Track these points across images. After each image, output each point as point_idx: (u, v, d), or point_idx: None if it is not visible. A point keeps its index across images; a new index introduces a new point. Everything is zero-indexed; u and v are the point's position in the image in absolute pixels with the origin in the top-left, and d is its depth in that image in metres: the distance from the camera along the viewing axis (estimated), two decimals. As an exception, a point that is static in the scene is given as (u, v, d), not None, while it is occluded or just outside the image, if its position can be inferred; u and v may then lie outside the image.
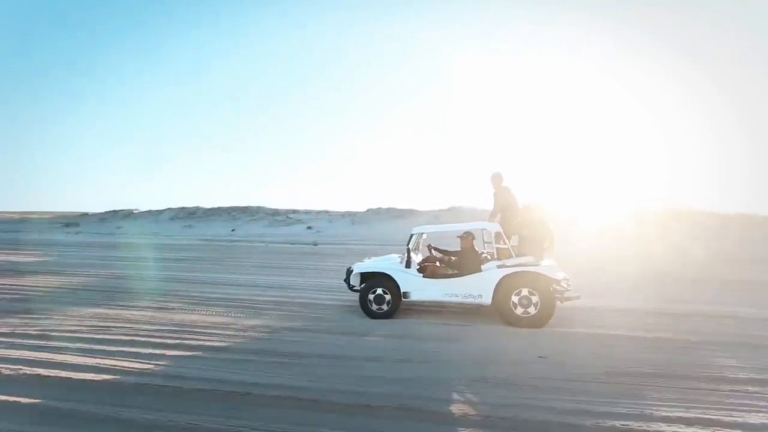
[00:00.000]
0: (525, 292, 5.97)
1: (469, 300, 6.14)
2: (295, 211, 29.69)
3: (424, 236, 7.17)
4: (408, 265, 6.39)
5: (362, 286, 6.53)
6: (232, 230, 26.14)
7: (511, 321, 5.96)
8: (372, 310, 6.35)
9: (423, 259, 6.73)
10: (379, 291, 6.36)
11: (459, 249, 6.64)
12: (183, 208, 31.95)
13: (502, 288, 6.00)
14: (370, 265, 6.76)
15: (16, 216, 41.29)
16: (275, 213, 29.57)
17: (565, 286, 6.01)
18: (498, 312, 6.09)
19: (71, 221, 31.27)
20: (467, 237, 6.50)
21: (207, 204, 32.53)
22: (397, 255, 7.33)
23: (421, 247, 7.24)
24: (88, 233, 26.26)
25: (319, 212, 29.43)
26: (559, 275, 6.07)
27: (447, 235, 7.07)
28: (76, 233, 26.32)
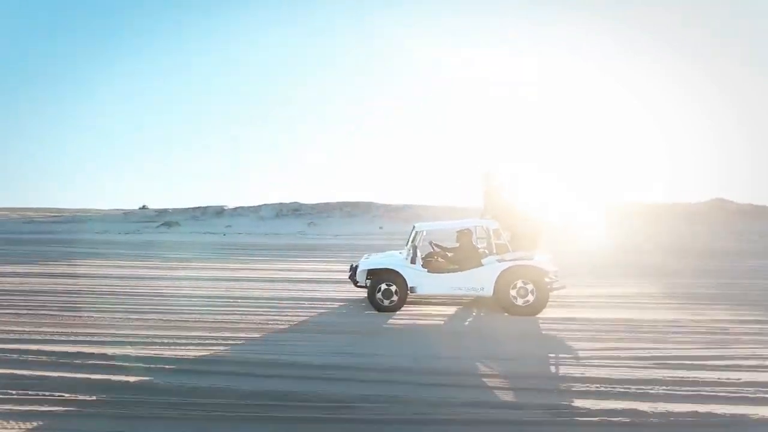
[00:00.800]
0: (522, 283, 6.55)
1: (472, 292, 6.80)
2: (409, 206, 27.48)
3: (425, 233, 7.40)
4: (413, 260, 6.91)
5: (368, 281, 7.03)
6: (380, 227, 24.53)
7: (510, 310, 6.60)
8: (380, 304, 6.83)
9: (426, 255, 7.31)
10: (387, 286, 6.85)
11: (457, 245, 7.24)
12: (281, 203, 28.80)
13: (502, 280, 6.59)
14: (377, 261, 7.19)
15: (61, 213, 33.79)
16: (388, 208, 27.56)
17: (554, 277, 6.51)
18: (498, 302, 6.71)
19: (170, 220, 26.86)
20: (466, 233, 7.12)
21: (288, 200, 29.38)
22: (396, 251, 7.85)
23: (420, 244, 7.36)
24: (233, 234, 23.35)
25: (433, 207, 26.78)
26: (551, 268, 6.58)
27: (447, 232, 7.66)
28: (224, 233, 23.15)
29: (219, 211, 29.20)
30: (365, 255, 7.97)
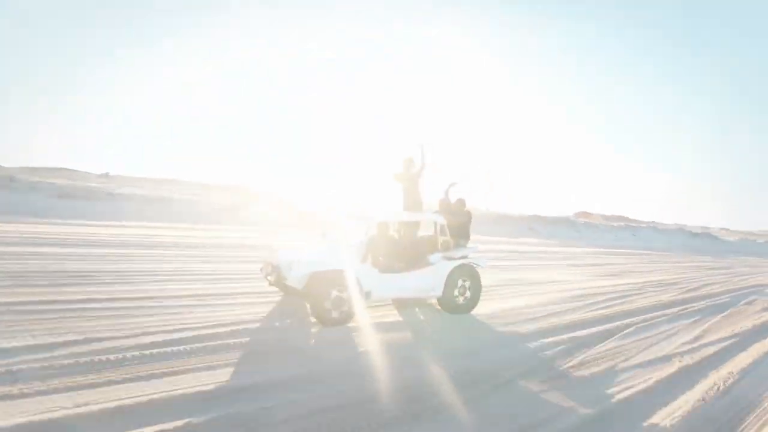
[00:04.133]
0: (462, 281, 6.41)
1: (424, 294, 6.24)
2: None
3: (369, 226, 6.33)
4: (365, 258, 5.67)
5: (306, 286, 5.31)
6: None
7: (451, 309, 6.38)
8: (330, 316, 5.33)
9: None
10: (338, 292, 5.36)
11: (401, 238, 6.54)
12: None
13: (450, 280, 6.27)
14: (323, 260, 5.54)
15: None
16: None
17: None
18: (442, 301, 6.40)
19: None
20: (412, 227, 6.55)
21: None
22: (324, 246, 6.28)
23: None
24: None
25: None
26: (486, 264, 6.86)
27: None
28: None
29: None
30: (279, 249, 6.21)
